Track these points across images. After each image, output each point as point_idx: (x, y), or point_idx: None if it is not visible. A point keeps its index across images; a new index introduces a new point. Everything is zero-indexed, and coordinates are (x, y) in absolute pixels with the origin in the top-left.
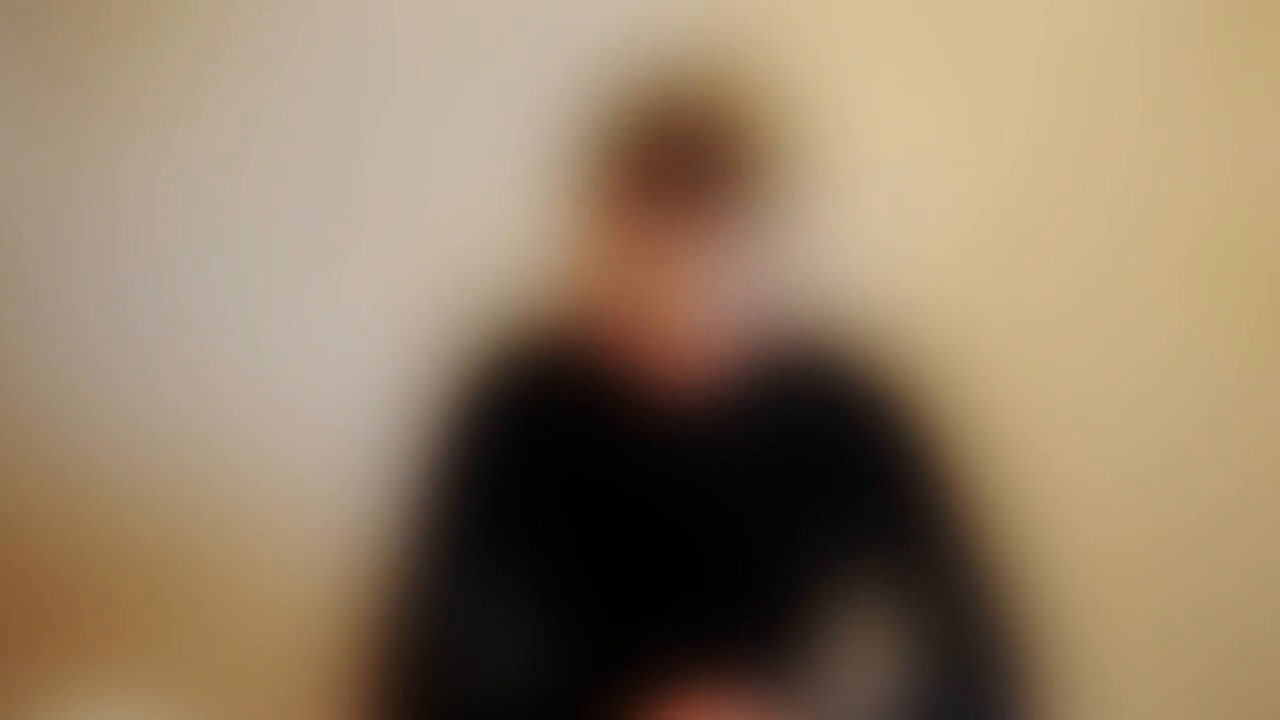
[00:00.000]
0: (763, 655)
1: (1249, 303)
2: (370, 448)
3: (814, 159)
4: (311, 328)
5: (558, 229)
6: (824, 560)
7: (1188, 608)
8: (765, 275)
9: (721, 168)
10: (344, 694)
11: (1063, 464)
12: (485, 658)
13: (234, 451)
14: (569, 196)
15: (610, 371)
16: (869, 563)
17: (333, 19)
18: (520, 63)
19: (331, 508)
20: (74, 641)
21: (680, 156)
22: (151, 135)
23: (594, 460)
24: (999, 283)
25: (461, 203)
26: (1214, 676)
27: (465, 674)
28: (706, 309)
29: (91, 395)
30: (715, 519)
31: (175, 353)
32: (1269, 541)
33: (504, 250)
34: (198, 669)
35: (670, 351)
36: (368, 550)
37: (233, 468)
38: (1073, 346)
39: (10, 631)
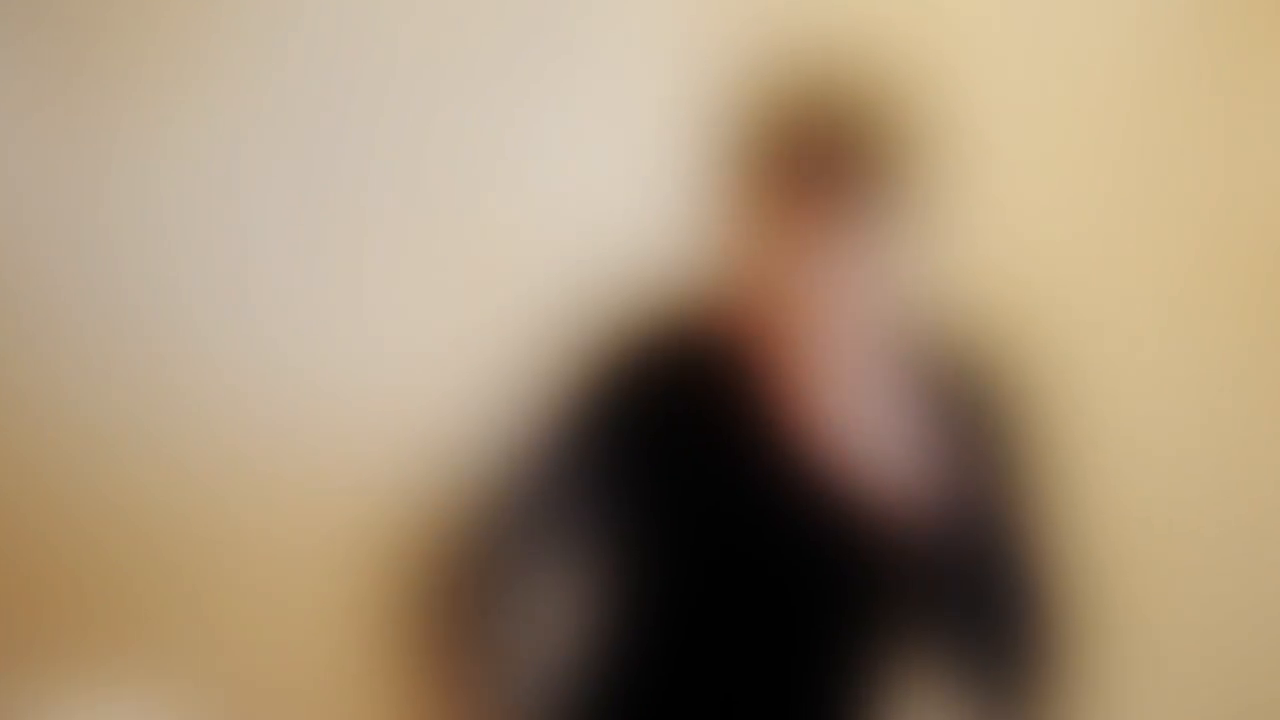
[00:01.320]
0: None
1: None
2: (432, 434)
3: (947, 155)
4: (395, 313)
5: (697, 217)
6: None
7: (1230, 606)
8: (900, 268)
9: (860, 162)
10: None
11: (1137, 460)
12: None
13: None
14: (709, 186)
15: (741, 362)
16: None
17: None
18: (665, 53)
19: (374, 496)
20: (85, 638)
21: (820, 150)
22: (217, 113)
23: (710, 447)
24: (1115, 279)
25: (599, 188)
26: (1248, 675)
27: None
28: (842, 300)
29: (108, 390)
30: (823, 522)
31: (224, 341)
32: None
33: (640, 236)
34: (214, 667)
35: (804, 342)
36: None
37: (265, 464)
38: (1168, 347)
39: (23, 629)
